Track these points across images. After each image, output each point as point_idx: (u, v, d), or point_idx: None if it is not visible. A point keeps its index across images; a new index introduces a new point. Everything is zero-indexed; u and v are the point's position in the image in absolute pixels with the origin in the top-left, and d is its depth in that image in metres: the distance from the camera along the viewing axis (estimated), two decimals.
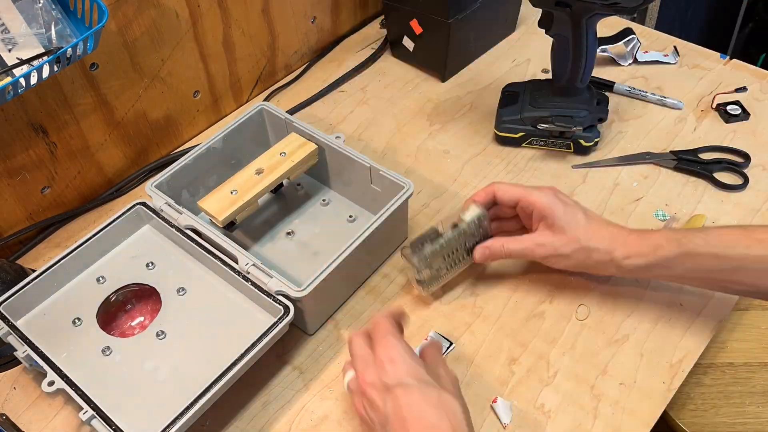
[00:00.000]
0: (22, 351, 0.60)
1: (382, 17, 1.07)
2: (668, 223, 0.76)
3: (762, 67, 0.96)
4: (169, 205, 0.69)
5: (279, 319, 0.61)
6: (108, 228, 0.69)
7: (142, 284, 0.68)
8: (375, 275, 0.74)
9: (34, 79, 0.61)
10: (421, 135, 0.89)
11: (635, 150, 0.85)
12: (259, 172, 0.72)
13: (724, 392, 0.85)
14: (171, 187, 0.73)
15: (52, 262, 0.66)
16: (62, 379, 0.58)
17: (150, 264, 0.69)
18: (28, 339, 0.61)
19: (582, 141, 0.83)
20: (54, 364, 0.59)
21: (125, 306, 0.69)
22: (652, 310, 0.69)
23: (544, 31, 0.79)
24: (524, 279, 0.72)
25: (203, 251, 0.67)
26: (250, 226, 0.77)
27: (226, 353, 0.59)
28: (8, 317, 0.63)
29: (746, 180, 0.80)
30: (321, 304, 0.67)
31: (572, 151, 0.85)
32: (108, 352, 0.63)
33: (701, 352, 0.65)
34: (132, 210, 0.71)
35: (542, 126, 0.83)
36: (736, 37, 1.79)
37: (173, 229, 0.69)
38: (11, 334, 0.61)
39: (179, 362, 0.62)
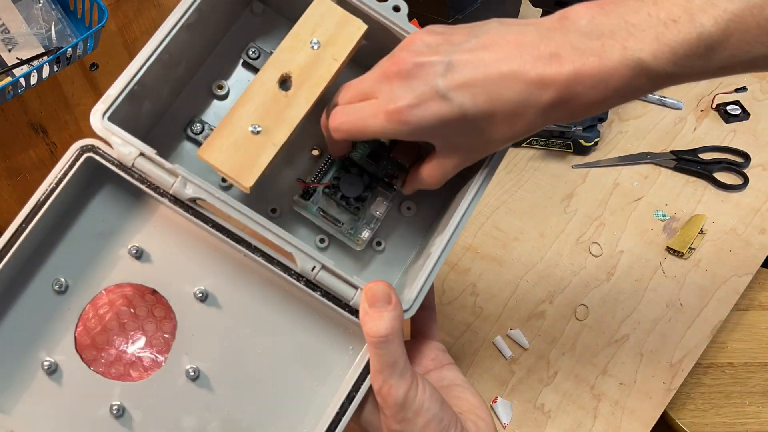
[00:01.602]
0: None
1: None
2: (668, 224, 0.76)
3: None
4: (147, 158, 0.40)
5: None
6: (51, 200, 0.41)
7: (134, 285, 0.42)
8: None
9: (34, 79, 0.61)
10: None
11: (635, 150, 0.85)
12: (284, 80, 0.42)
13: (724, 392, 0.85)
14: (130, 117, 0.42)
15: None
16: None
17: (135, 250, 0.42)
18: None
19: (582, 141, 0.83)
20: None
21: (116, 325, 0.42)
22: (652, 310, 0.69)
23: None
24: (524, 279, 0.72)
25: (229, 240, 0.40)
26: (278, 173, 0.48)
27: (302, 395, 0.42)
28: None
29: (746, 180, 0.80)
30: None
31: (572, 151, 0.85)
32: (121, 410, 0.41)
33: (701, 352, 0.65)
34: (77, 164, 0.41)
35: None
36: None
37: (165, 199, 0.40)
38: None
39: (231, 414, 0.42)
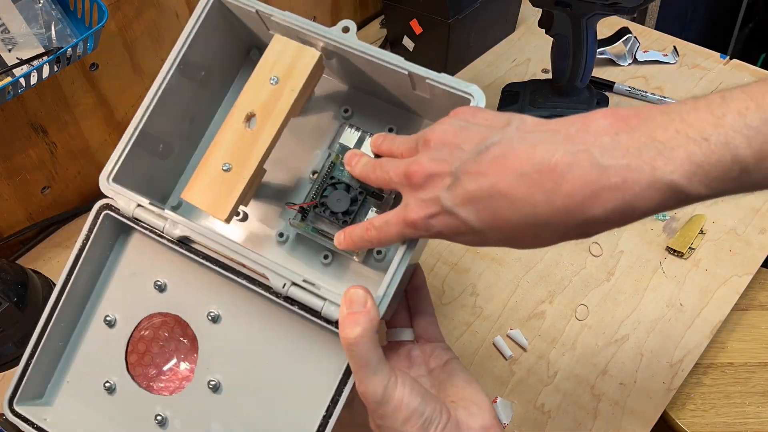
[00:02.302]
0: None
1: (382, 17, 1.07)
2: (668, 224, 0.76)
3: (762, 67, 0.96)
4: (143, 208, 0.47)
5: None
6: (84, 253, 0.49)
7: (164, 313, 0.50)
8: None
9: (34, 79, 0.61)
10: None
11: None
12: (249, 118, 0.47)
13: (724, 392, 0.85)
14: (135, 172, 0.49)
15: (42, 323, 0.49)
16: None
17: (159, 284, 0.50)
18: None
19: None
20: None
21: (154, 348, 0.52)
22: (652, 310, 0.69)
23: (544, 31, 0.79)
24: (524, 279, 0.72)
25: (217, 268, 0.46)
26: (261, 199, 0.54)
27: (300, 399, 0.46)
28: (29, 418, 0.48)
29: None
30: (395, 301, 0.50)
31: None
32: (163, 420, 0.48)
33: (701, 352, 0.65)
34: (99, 221, 0.49)
35: None
36: (736, 37, 1.79)
37: (164, 240, 0.47)
38: None
39: (248, 419, 0.47)
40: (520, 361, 0.65)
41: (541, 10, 0.77)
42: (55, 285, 0.74)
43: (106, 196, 0.48)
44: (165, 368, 0.51)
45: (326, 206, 0.48)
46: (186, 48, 0.49)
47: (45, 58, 0.62)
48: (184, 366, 0.50)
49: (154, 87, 0.49)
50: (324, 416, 0.43)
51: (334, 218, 0.47)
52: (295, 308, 0.44)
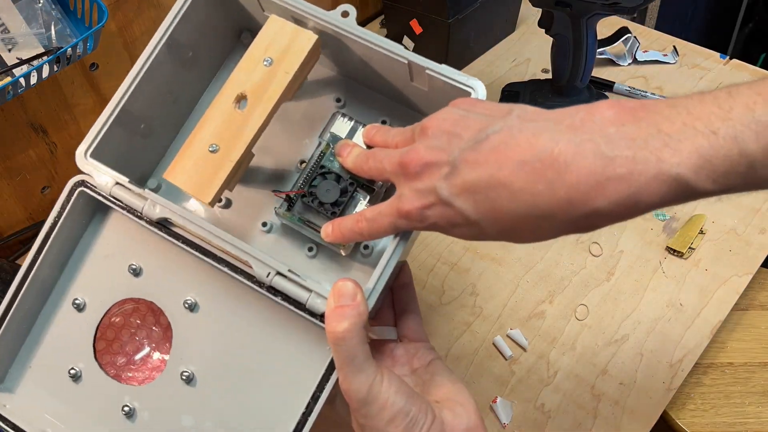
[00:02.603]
0: None
1: (382, 17, 1.07)
2: (668, 224, 0.76)
3: (762, 67, 0.96)
4: (122, 186, 0.45)
5: None
6: (56, 230, 0.46)
7: (136, 299, 0.48)
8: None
9: (34, 79, 0.61)
10: None
11: None
12: (239, 99, 0.45)
13: (724, 392, 0.85)
14: (114, 150, 0.47)
15: (5, 304, 0.46)
16: None
17: (133, 267, 0.47)
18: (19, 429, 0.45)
19: None
20: None
21: (124, 335, 0.48)
22: (652, 310, 0.69)
23: (544, 31, 0.79)
24: (524, 279, 0.72)
25: (197, 254, 0.44)
26: (246, 185, 0.52)
27: (279, 394, 0.45)
28: None
29: None
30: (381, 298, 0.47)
31: None
32: (131, 411, 0.46)
33: (701, 352, 0.65)
34: (72, 197, 0.46)
35: None
36: (736, 37, 1.79)
37: (142, 221, 0.45)
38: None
39: (222, 413, 0.45)
40: (520, 361, 0.65)
41: (541, 10, 0.77)
42: None
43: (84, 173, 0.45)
44: (135, 357, 0.48)
45: (315, 196, 0.46)
46: (174, 26, 0.47)
47: (45, 58, 0.62)
48: (156, 356, 0.48)
49: (138, 64, 0.46)
50: (303, 413, 0.42)
51: (323, 209, 0.46)
52: (278, 299, 0.42)
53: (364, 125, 0.48)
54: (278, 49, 0.45)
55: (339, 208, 0.46)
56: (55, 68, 0.62)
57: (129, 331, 0.48)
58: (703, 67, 0.96)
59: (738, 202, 0.78)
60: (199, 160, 0.44)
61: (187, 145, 0.45)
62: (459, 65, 0.98)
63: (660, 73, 0.95)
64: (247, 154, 0.45)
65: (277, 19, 0.45)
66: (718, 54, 0.98)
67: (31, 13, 0.64)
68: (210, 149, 0.44)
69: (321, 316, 0.42)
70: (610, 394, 0.63)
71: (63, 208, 0.46)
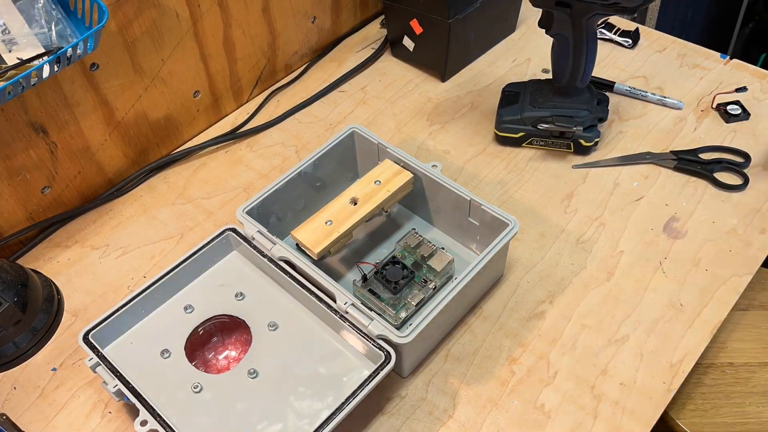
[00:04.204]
0: (112, 385, 0.57)
1: (382, 17, 1.07)
2: (668, 223, 0.76)
3: (762, 67, 0.96)
4: (261, 234, 0.66)
5: (380, 366, 0.57)
6: (197, 255, 0.66)
7: (232, 316, 0.65)
8: (470, 314, 0.69)
9: (34, 80, 0.61)
10: (421, 135, 0.89)
11: (635, 150, 0.85)
12: (353, 201, 0.69)
13: (724, 392, 0.85)
14: (260, 213, 0.69)
15: (141, 288, 0.63)
16: (155, 418, 0.55)
17: (239, 294, 0.66)
18: (119, 372, 0.58)
19: (582, 141, 0.83)
20: (147, 402, 0.56)
21: (213, 338, 0.66)
22: (652, 310, 0.69)
23: (544, 31, 0.79)
24: (524, 279, 0.72)
25: (297, 285, 0.63)
26: (340, 255, 0.74)
27: (323, 399, 0.58)
28: (97, 346, 0.60)
29: (746, 180, 0.80)
30: (420, 347, 0.64)
31: (572, 151, 0.85)
32: (198, 389, 0.60)
33: (701, 352, 0.65)
34: (222, 236, 0.68)
35: (542, 126, 0.83)
36: (736, 37, 1.79)
37: (264, 259, 0.65)
38: (100, 364, 0.58)
39: (273, 406, 0.59)
40: (520, 361, 0.65)
41: (541, 10, 0.77)
42: (55, 285, 0.74)
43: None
44: (215, 354, 0.64)
45: (383, 274, 0.66)
46: (321, 154, 0.73)
47: (45, 58, 0.62)
48: (232, 354, 0.65)
49: (282, 178, 0.70)
50: (326, 419, 0.53)
51: (387, 283, 0.65)
52: (346, 324, 0.60)
53: (428, 241, 0.70)
54: (385, 177, 0.71)
55: (397, 286, 0.65)
56: (56, 68, 0.62)
57: (219, 336, 0.66)
58: (703, 67, 0.96)
59: (738, 202, 0.78)
60: (317, 228, 0.67)
61: (312, 219, 0.68)
62: (459, 65, 0.98)
63: (660, 73, 0.95)
64: (349, 232, 0.68)
65: (389, 162, 0.73)
66: (719, 54, 0.98)
67: (32, 13, 0.64)
68: (326, 223, 0.68)
69: (373, 338, 0.58)
70: (610, 394, 0.63)
71: (209, 242, 0.67)
